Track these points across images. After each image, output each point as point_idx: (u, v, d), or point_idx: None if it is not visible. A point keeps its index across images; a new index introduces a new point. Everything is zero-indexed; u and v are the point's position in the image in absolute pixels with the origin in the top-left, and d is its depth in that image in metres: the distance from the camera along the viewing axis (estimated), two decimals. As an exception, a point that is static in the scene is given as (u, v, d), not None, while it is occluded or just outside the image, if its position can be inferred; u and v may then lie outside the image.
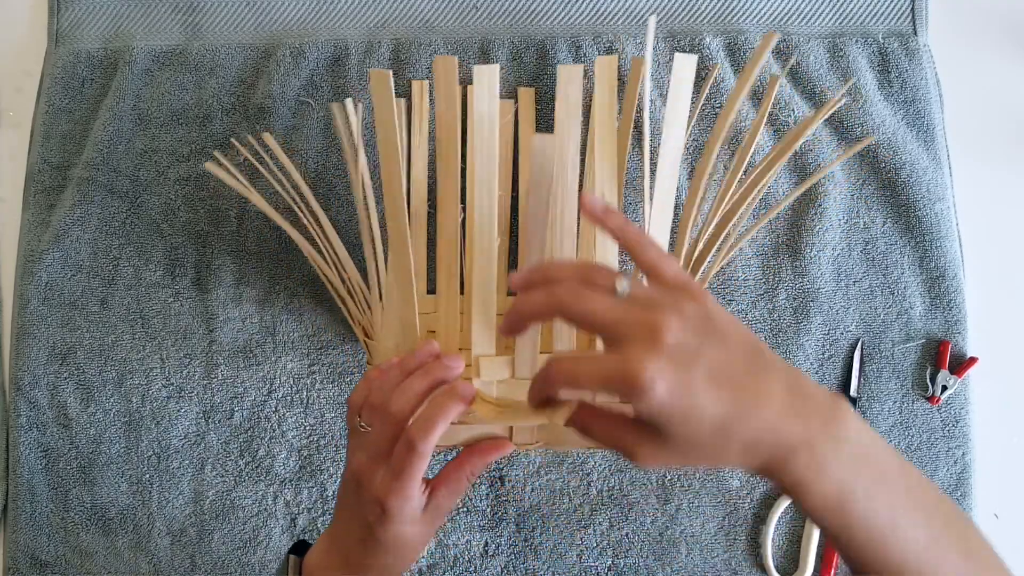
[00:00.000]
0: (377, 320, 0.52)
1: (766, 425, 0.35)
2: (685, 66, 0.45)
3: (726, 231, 0.55)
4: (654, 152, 0.46)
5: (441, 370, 0.45)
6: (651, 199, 0.47)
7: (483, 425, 0.48)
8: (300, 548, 0.51)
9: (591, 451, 0.64)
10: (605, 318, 0.35)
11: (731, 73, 0.67)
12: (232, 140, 0.66)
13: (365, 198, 0.49)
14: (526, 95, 0.66)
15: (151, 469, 0.66)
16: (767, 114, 0.68)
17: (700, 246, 0.55)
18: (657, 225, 0.47)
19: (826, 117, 0.67)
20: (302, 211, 0.60)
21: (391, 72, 0.44)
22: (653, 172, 0.46)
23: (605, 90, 0.44)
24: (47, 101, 0.69)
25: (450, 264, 0.48)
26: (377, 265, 0.52)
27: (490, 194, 0.43)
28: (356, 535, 0.46)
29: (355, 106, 0.46)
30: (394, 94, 0.43)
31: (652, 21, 0.43)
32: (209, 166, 0.58)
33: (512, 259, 0.66)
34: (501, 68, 0.67)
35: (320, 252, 0.59)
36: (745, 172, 0.58)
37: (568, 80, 0.42)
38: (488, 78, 0.42)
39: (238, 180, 0.58)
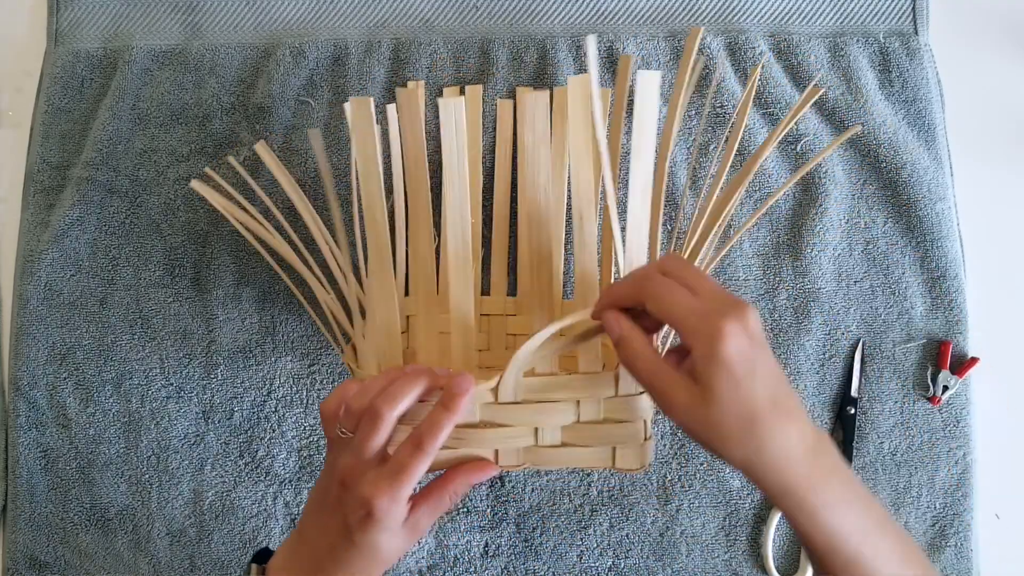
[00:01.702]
0: (360, 347, 0.52)
1: (786, 444, 0.39)
2: (648, 85, 0.43)
3: (718, 224, 0.55)
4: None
5: (429, 375, 0.45)
6: (622, 231, 0.47)
7: (469, 448, 0.47)
8: (263, 556, 0.50)
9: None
10: (689, 306, 0.40)
11: (732, 73, 0.67)
12: (228, 158, 0.66)
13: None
14: (526, 95, 0.66)
15: (150, 469, 0.66)
16: (766, 116, 0.68)
17: (694, 240, 0.55)
18: (634, 247, 0.46)
19: (811, 111, 0.67)
20: (306, 219, 0.60)
21: (371, 99, 0.44)
22: (623, 212, 0.47)
23: (577, 109, 0.44)
24: (46, 101, 0.69)
25: (428, 287, 0.48)
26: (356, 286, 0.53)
27: (464, 224, 0.44)
28: (328, 541, 0.45)
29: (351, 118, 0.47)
30: (374, 120, 0.43)
31: (591, 40, 0.43)
32: (195, 184, 0.58)
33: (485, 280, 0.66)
34: (498, 70, 0.67)
35: (310, 268, 0.59)
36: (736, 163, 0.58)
37: (534, 106, 0.42)
38: (455, 112, 0.43)
39: (229, 193, 0.58)
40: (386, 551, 0.45)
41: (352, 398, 0.44)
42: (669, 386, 0.40)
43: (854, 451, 0.64)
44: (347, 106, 0.52)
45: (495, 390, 0.46)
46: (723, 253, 0.58)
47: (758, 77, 0.59)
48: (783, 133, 0.56)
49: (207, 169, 0.58)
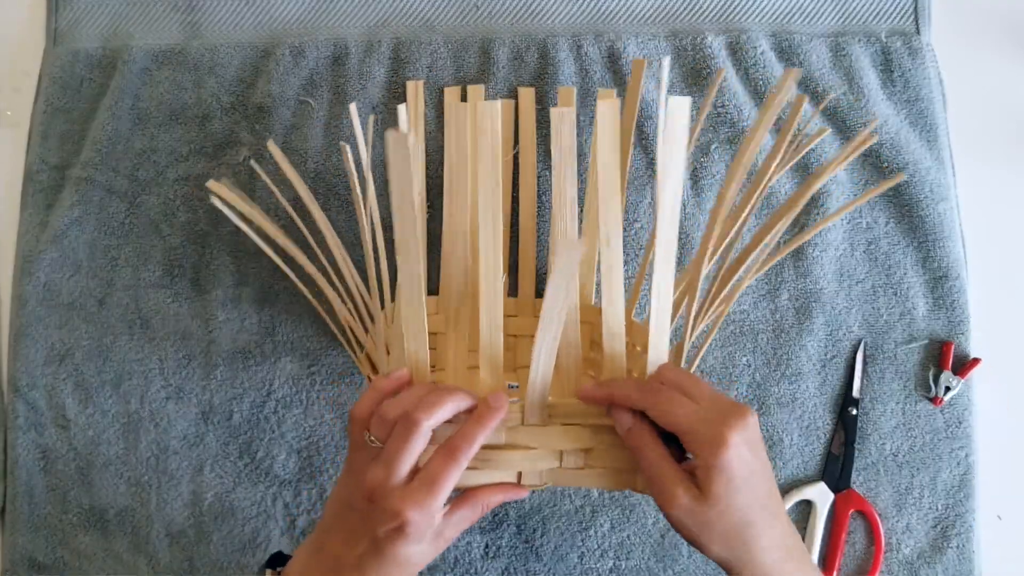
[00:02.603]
0: (382, 356, 0.52)
1: (769, 545, 0.43)
2: (678, 112, 0.42)
3: (738, 273, 0.54)
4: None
5: (464, 395, 0.44)
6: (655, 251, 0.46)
7: (493, 469, 0.47)
8: (277, 560, 0.49)
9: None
10: (692, 415, 0.42)
11: (733, 73, 0.67)
12: (251, 161, 0.66)
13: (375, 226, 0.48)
14: (526, 95, 0.66)
15: (150, 470, 0.65)
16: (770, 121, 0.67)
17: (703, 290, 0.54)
18: (662, 278, 0.46)
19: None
20: (306, 227, 0.59)
21: (411, 134, 0.43)
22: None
23: (607, 135, 0.42)
24: (45, 101, 0.69)
25: (459, 305, 0.47)
26: (382, 295, 0.52)
27: (495, 233, 0.43)
28: (354, 552, 0.44)
29: (362, 128, 0.46)
30: (410, 158, 0.42)
31: (666, 62, 0.43)
32: (212, 185, 0.57)
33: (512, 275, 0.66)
34: (498, 69, 0.67)
35: (321, 269, 0.58)
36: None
37: (561, 124, 0.41)
38: (491, 114, 0.42)
39: (242, 195, 0.57)
40: (415, 561, 0.44)
41: (386, 407, 0.43)
42: (671, 482, 0.42)
43: (856, 452, 0.64)
44: (351, 108, 0.51)
45: (522, 412, 0.46)
46: (735, 296, 0.57)
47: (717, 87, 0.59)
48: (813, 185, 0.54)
49: (210, 183, 0.57)
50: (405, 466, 0.43)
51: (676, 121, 0.42)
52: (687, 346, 0.51)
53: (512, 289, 0.65)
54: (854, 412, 0.64)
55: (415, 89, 0.66)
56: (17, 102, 0.70)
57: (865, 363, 0.65)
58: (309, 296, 0.57)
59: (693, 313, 0.51)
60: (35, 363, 0.66)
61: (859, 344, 0.64)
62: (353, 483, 0.45)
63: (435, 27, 0.69)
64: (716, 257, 0.53)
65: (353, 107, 0.51)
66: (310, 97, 0.68)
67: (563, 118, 0.41)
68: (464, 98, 0.67)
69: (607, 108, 0.42)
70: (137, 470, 0.65)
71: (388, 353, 0.51)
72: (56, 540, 0.65)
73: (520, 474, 0.48)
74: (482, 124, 0.42)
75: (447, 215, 0.44)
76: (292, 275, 0.58)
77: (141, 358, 0.66)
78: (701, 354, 0.58)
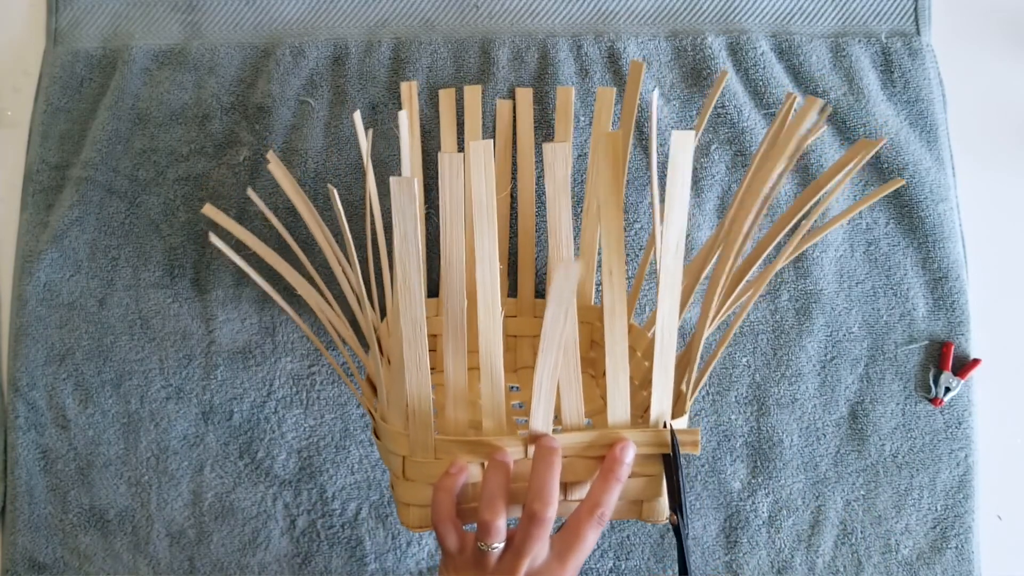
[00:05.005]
0: (382, 395, 0.51)
1: None
2: (682, 146, 0.42)
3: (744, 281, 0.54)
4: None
5: (552, 459, 0.46)
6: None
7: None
8: None
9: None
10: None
11: (733, 73, 0.67)
12: (257, 202, 0.65)
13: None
14: (524, 95, 0.66)
15: (150, 470, 0.65)
16: (768, 117, 0.67)
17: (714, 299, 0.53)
18: (667, 306, 0.45)
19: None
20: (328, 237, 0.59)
21: (415, 180, 0.42)
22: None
23: (608, 161, 0.42)
24: (45, 101, 0.69)
25: (457, 348, 0.47)
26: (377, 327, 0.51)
27: (492, 274, 0.43)
28: None
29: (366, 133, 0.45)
30: (419, 203, 0.41)
31: (655, 96, 0.42)
32: (208, 210, 0.57)
33: (512, 263, 0.65)
34: (498, 69, 0.67)
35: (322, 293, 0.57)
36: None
37: (555, 158, 0.41)
38: (484, 154, 0.41)
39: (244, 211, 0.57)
40: None
41: (487, 515, 0.45)
42: None
43: (855, 454, 0.64)
44: (355, 116, 0.51)
45: (525, 447, 0.46)
46: (746, 309, 0.55)
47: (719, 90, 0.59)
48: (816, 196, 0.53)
49: (206, 208, 0.56)
50: (546, 547, 0.45)
51: (680, 155, 0.42)
52: (695, 370, 0.50)
53: (512, 289, 0.65)
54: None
55: (409, 90, 0.66)
56: (17, 102, 0.70)
57: (867, 365, 0.64)
58: (309, 334, 0.56)
59: (707, 323, 0.50)
60: (35, 363, 0.66)
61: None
62: None
63: (435, 27, 0.69)
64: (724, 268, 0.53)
65: (357, 116, 0.50)
66: (310, 97, 0.68)
67: (556, 153, 0.41)
68: (461, 98, 0.67)
69: (606, 139, 0.41)
70: (137, 470, 0.65)
71: (389, 362, 0.50)
72: (56, 540, 0.65)
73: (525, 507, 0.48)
74: (475, 165, 0.41)
75: (444, 261, 0.44)
76: (292, 313, 0.57)
77: (141, 358, 0.66)
78: (710, 368, 0.57)
